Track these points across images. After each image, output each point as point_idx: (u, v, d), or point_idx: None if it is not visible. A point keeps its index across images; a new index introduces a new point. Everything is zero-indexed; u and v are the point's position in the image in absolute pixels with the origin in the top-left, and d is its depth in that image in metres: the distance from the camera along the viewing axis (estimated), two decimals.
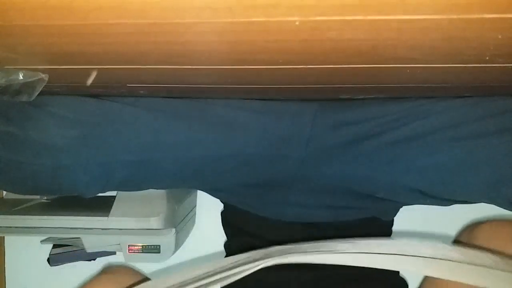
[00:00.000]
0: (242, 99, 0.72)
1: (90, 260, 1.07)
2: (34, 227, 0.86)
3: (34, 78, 0.53)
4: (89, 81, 0.54)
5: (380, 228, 0.78)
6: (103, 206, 0.87)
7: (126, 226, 0.85)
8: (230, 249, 0.84)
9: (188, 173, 0.72)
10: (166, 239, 0.86)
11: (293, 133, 0.69)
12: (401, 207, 0.80)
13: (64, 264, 1.06)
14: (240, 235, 0.82)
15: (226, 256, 0.83)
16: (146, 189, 0.77)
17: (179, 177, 0.73)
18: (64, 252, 1.03)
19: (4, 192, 1.07)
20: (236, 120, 0.69)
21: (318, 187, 0.73)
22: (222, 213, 0.90)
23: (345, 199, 0.74)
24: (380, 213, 0.76)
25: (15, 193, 0.95)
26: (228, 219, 0.88)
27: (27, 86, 0.54)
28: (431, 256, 0.54)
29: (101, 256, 1.06)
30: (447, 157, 0.63)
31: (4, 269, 1.17)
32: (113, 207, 0.86)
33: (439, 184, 0.65)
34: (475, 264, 0.52)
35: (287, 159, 0.70)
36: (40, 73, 0.53)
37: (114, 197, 0.88)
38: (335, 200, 0.74)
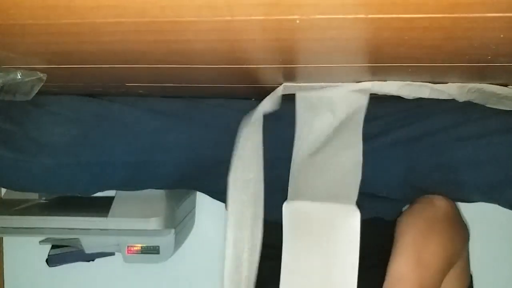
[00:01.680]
0: (242, 100, 0.71)
1: (88, 261, 1.07)
2: (33, 228, 0.86)
3: (32, 78, 0.53)
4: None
5: (384, 228, 0.77)
6: (102, 207, 0.87)
7: (125, 226, 0.85)
8: None
9: (188, 174, 0.71)
10: (165, 240, 0.86)
11: (294, 136, 0.68)
12: (404, 206, 0.80)
13: (63, 265, 1.06)
14: None
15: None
16: (146, 189, 0.76)
17: (178, 178, 0.73)
18: (62, 253, 1.03)
19: (3, 193, 1.07)
20: (236, 121, 0.69)
21: None
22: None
23: None
24: (382, 212, 0.75)
25: (14, 190, 0.95)
26: None
27: (25, 85, 0.54)
28: None
29: (99, 256, 1.06)
30: (449, 157, 0.62)
31: (3, 270, 1.17)
32: (112, 207, 0.86)
33: (441, 184, 0.65)
34: None
35: (288, 162, 0.69)
36: (39, 73, 0.53)
37: (113, 197, 0.88)
38: None
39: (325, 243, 0.57)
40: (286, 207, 0.60)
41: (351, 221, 0.56)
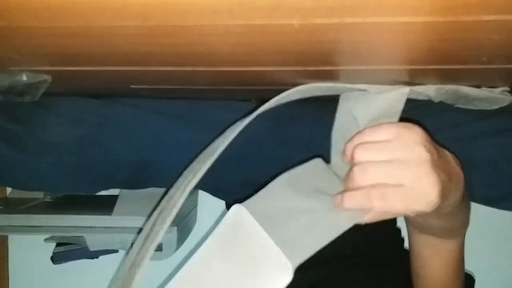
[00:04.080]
0: (242, 101, 0.72)
1: (93, 258, 1.08)
2: (38, 226, 0.87)
3: (37, 80, 0.53)
4: None
5: (384, 227, 0.78)
6: (106, 205, 0.88)
7: (128, 224, 0.86)
8: None
9: None
10: (167, 238, 0.87)
11: (293, 135, 0.69)
12: None
13: (67, 262, 1.07)
14: None
15: None
16: (149, 187, 0.77)
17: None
18: (67, 251, 1.04)
19: (8, 191, 1.08)
20: (236, 122, 0.69)
21: None
22: (223, 212, 0.91)
23: None
24: None
25: (19, 189, 0.96)
26: None
27: (30, 87, 0.55)
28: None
29: (104, 254, 1.07)
30: None
31: (8, 268, 1.18)
32: (116, 205, 0.87)
33: None
34: None
35: (288, 161, 0.70)
36: (44, 75, 0.54)
37: (117, 196, 0.89)
38: None
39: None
40: (235, 209, 0.46)
41: (278, 277, 0.40)
